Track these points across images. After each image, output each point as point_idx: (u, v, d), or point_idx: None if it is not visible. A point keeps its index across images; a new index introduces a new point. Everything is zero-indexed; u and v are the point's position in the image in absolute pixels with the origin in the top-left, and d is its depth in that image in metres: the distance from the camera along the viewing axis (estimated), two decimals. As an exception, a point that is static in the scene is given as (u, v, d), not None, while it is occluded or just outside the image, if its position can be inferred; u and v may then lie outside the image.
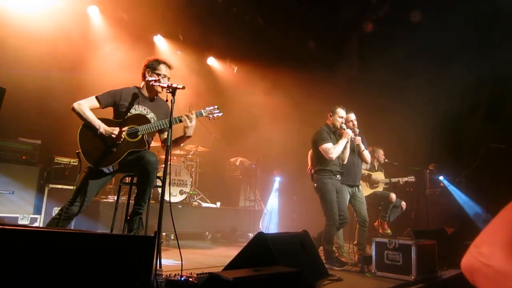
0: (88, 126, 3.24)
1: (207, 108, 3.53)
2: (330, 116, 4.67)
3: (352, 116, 4.88)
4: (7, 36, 5.64)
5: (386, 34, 7.59)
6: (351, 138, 4.59)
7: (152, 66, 3.46)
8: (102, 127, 3.22)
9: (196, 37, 8.09)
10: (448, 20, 6.77)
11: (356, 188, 4.94)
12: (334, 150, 4.39)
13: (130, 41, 7.10)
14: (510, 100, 6.88)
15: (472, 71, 6.80)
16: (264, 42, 8.31)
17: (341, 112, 4.64)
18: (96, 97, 3.34)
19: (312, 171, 4.68)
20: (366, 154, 4.97)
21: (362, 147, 4.84)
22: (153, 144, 3.97)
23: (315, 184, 4.54)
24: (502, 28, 6.53)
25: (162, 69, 3.46)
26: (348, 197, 4.81)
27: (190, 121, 3.32)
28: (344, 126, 4.60)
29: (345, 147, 4.55)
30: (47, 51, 5.91)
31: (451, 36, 6.86)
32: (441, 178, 7.23)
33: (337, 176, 4.55)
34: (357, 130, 4.70)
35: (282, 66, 8.39)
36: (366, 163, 5.16)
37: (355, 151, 4.76)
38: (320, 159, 4.50)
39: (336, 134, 4.67)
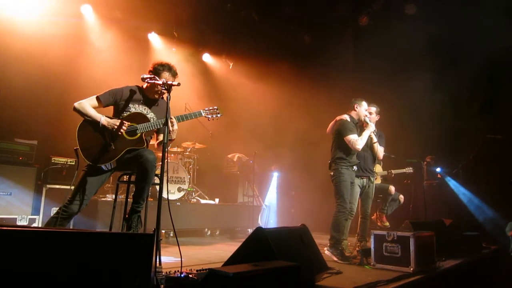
0: (88, 121, 3.23)
1: (206, 108, 3.51)
2: (356, 108, 4.73)
3: (372, 109, 4.99)
4: (0, 37, 5.59)
5: (381, 26, 7.57)
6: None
7: (156, 71, 3.41)
8: (104, 119, 3.22)
9: (191, 34, 8.06)
10: (443, 13, 6.77)
11: (368, 180, 4.92)
12: (360, 141, 4.47)
13: (124, 39, 7.07)
14: (506, 91, 6.90)
15: (469, 63, 6.80)
16: (259, 37, 8.28)
17: (365, 105, 4.77)
18: (97, 97, 3.32)
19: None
20: (379, 149, 4.93)
21: (375, 139, 4.84)
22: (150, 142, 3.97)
23: (332, 173, 4.58)
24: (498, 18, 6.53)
25: (165, 76, 3.40)
26: (359, 190, 4.80)
27: (172, 126, 3.31)
28: (367, 119, 4.69)
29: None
30: (41, 50, 5.87)
31: (446, 28, 6.86)
32: (438, 170, 7.25)
33: (354, 167, 4.61)
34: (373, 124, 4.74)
35: (278, 61, 8.37)
36: (378, 158, 5.00)
37: (367, 144, 4.75)
38: (343, 149, 4.55)
39: (357, 126, 4.72)
